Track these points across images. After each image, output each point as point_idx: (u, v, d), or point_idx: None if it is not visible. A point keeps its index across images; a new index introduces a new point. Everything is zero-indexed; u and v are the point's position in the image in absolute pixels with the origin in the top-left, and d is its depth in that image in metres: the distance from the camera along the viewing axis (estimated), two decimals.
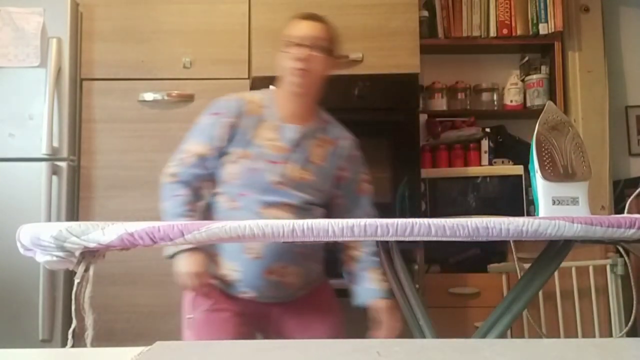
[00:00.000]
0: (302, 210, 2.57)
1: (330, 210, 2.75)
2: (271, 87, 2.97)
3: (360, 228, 1.56)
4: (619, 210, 4.44)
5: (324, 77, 2.69)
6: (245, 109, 2.65)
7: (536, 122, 2.02)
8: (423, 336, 2.19)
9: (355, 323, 3.55)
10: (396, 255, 2.27)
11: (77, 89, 3.80)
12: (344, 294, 3.63)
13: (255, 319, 2.66)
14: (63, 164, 3.66)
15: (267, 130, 2.63)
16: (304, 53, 2.58)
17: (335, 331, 2.73)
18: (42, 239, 1.51)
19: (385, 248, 2.36)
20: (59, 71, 3.67)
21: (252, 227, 1.54)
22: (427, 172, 4.19)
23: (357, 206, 2.77)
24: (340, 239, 1.58)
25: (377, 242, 2.40)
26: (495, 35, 4.59)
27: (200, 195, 2.68)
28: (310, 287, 2.72)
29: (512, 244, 3.64)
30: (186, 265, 2.49)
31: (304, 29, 2.64)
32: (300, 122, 2.67)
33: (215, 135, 2.61)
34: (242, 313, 2.62)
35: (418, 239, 1.59)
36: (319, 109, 2.80)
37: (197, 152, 2.63)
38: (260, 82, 3.66)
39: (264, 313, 2.67)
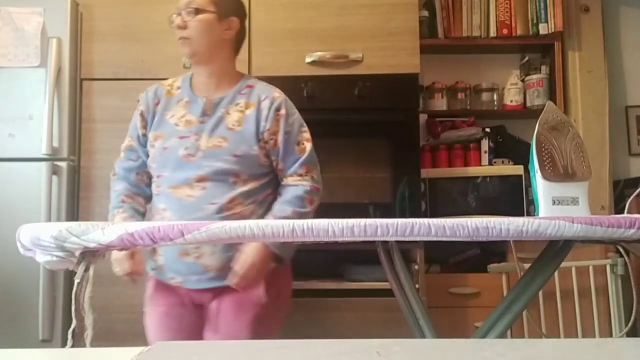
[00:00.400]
0: (216, 182, 2.54)
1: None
2: None
3: (360, 228, 1.56)
4: (619, 210, 4.44)
5: (217, 41, 2.68)
6: (162, 93, 2.75)
7: (536, 122, 2.02)
8: (423, 336, 2.19)
9: (354, 323, 3.56)
10: (396, 255, 2.27)
11: (77, 89, 3.80)
12: (339, 294, 3.65)
13: (193, 309, 2.64)
14: (63, 164, 3.66)
15: (179, 108, 2.69)
16: (178, 21, 2.62)
17: (257, 330, 2.58)
18: (42, 239, 1.51)
19: (385, 248, 2.36)
20: (59, 71, 3.68)
21: (252, 227, 1.55)
22: (427, 172, 4.19)
23: (288, 169, 2.70)
24: (340, 239, 1.58)
25: (377, 242, 2.39)
26: (495, 35, 4.59)
27: (142, 187, 2.78)
28: None
29: (512, 244, 3.64)
30: (115, 253, 2.57)
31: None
32: (213, 92, 2.70)
33: (137, 126, 2.74)
34: (180, 304, 2.63)
35: (418, 239, 1.59)
36: (239, 75, 2.80)
37: (125, 146, 2.79)
38: None
39: (199, 301, 2.64)
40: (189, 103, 2.68)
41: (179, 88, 2.76)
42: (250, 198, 2.58)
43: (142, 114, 2.73)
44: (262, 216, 2.62)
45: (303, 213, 2.57)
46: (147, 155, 2.71)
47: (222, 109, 2.64)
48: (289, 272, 2.84)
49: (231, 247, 2.53)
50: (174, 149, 2.59)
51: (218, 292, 2.59)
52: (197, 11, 2.60)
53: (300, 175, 2.67)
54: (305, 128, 2.76)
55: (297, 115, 2.75)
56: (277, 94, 2.72)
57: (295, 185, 2.65)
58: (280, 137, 2.64)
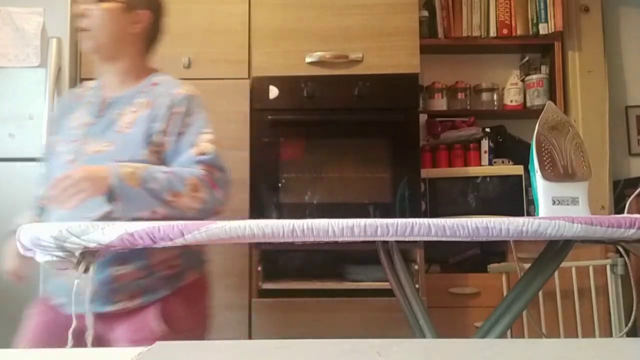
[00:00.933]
0: None
1: None
2: None
3: (360, 228, 1.56)
4: (618, 210, 4.45)
5: (123, 34, 2.41)
6: (76, 95, 2.58)
7: (536, 122, 2.02)
8: (423, 336, 2.19)
9: (354, 323, 3.56)
10: (396, 255, 2.28)
11: None
12: (339, 294, 3.64)
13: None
14: None
15: (82, 109, 2.46)
16: (78, 10, 2.37)
17: None
18: (42, 239, 1.52)
19: (385, 248, 2.36)
20: (59, 71, 3.67)
21: (252, 227, 1.55)
22: (427, 172, 4.19)
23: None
24: (340, 239, 1.58)
25: (377, 242, 2.37)
26: (495, 35, 4.59)
27: None
28: (129, 304, 2.23)
29: (512, 244, 3.64)
30: (10, 246, 2.37)
31: None
32: (116, 91, 2.44)
33: (48, 132, 2.60)
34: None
35: (418, 239, 1.59)
36: (149, 72, 2.52)
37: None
38: (260, 82, 3.67)
39: (83, 327, 2.07)
40: (91, 104, 2.45)
41: (92, 88, 2.54)
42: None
43: (51, 120, 2.57)
44: None
45: (171, 190, 2.12)
46: None
47: (116, 110, 2.38)
48: (203, 290, 2.47)
49: (105, 269, 2.17)
50: (61, 155, 2.36)
51: (105, 320, 2.20)
52: (101, 1, 2.35)
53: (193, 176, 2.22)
54: (208, 130, 2.36)
55: (200, 116, 2.39)
56: (182, 90, 2.41)
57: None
58: (169, 137, 2.31)
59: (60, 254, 1.53)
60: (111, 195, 2.05)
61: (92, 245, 1.52)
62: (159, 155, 2.29)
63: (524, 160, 3.71)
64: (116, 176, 2.04)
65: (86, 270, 1.56)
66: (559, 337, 3.52)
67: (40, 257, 1.55)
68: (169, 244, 1.53)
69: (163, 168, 2.20)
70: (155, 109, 2.33)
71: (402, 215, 3.59)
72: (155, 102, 2.35)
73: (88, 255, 1.58)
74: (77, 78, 3.80)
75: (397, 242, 2.16)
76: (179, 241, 1.52)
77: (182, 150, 2.28)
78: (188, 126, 2.33)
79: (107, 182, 2.02)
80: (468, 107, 4.75)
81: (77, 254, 1.55)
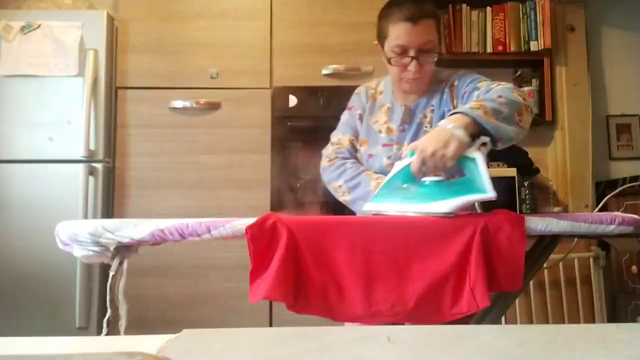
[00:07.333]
0: None
1: None
2: None
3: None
4: (600, 209, 4.45)
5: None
6: (369, 96, 2.50)
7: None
8: None
9: None
10: None
11: (112, 97, 3.82)
12: None
13: None
14: (99, 166, 3.68)
15: (381, 114, 2.42)
16: (415, 66, 2.26)
17: None
18: (79, 234, 1.53)
19: None
20: (95, 80, 3.69)
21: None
22: None
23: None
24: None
25: None
26: (491, 51, 4.63)
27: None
28: None
29: None
30: None
31: (409, 36, 2.23)
32: (413, 99, 2.38)
33: (353, 127, 2.46)
34: None
35: None
36: (437, 75, 2.43)
37: (345, 142, 2.44)
38: (281, 92, 3.67)
39: None
40: (391, 110, 2.41)
41: (381, 93, 2.50)
42: None
43: (360, 117, 2.46)
44: None
45: (515, 107, 1.99)
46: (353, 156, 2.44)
47: (419, 113, 2.34)
48: None
49: None
50: (378, 157, 2.34)
51: None
52: (433, 50, 2.30)
53: None
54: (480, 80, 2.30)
55: (473, 75, 2.36)
56: (453, 74, 2.43)
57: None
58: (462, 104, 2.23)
59: (96, 248, 1.53)
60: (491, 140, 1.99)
61: (125, 240, 1.53)
62: None
63: (517, 163, 3.71)
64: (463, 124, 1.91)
65: (121, 263, 1.56)
66: (547, 322, 3.52)
67: (77, 252, 1.55)
68: (197, 239, 1.54)
69: (489, 94, 2.02)
70: (442, 101, 2.33)
71: None
72: (438, 94, 2.35)
73: (122, 250, 1.57)
74: (112, 86, 3.83)
75: None
76: (206, 237, 1.53)
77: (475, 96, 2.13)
78: (471, 85, 2.25)
79: (454, 138, 1.90)
80: None
81: (111, 248, 1.55)
